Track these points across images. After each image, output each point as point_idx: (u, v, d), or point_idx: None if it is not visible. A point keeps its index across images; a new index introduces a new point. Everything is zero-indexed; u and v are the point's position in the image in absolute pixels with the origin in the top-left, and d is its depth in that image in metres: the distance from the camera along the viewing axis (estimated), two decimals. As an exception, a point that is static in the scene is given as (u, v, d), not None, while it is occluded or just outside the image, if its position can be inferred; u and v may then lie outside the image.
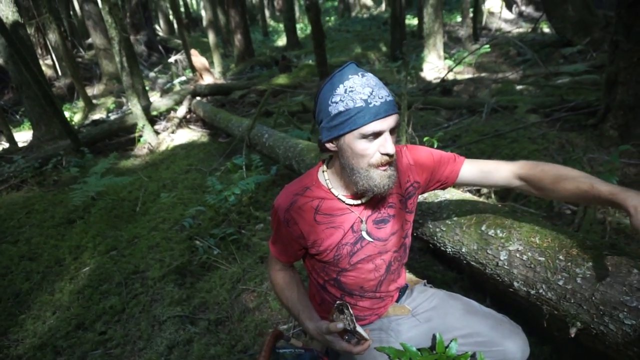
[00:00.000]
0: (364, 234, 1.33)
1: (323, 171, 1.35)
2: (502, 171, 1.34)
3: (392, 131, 1.16)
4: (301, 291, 1.46)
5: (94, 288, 2.98)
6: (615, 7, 3.24)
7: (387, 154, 1.15)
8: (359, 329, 1.16)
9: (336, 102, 1.13)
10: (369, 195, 1.26)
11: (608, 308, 1.21)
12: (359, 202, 1.31)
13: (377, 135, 1.14)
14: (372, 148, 1.15)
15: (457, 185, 1.44)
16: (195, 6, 30.25)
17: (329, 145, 1.23)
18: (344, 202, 1.31)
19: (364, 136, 1.13)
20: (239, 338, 2.31)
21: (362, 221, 1.33)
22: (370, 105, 1.10)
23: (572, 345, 1.79)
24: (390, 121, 1.14)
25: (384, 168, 1.18)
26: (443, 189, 1.48)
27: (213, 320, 2.47)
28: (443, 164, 1.39)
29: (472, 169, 1.38)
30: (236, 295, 2.65)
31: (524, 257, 1.48)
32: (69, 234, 3.88)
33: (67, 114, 7.22)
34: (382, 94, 1.12)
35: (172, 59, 13.30)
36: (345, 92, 1.12)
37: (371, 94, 1.11)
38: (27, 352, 2.49)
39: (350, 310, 1.17)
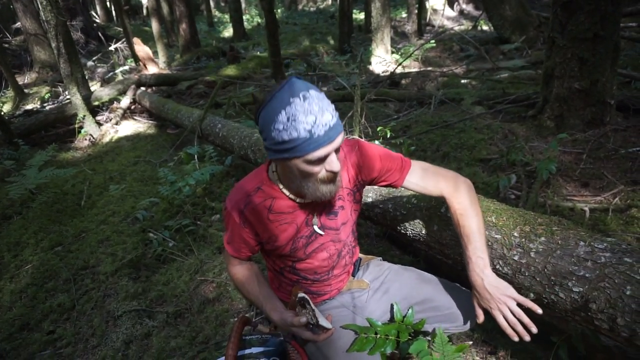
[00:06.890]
0: (315, 227, 1.40)
1: (273, 171, 1.35)
2: (436, 189, 1.45)
3: (337, 150, 1.17)
4: (262, 282, 1.49)
5: (39, 286, 2.80)
6: (551, 5, 3.47)
7: (332, 171, 1.18)
8: (321, 322, 1.23)
9: (279, 130, 1.09)
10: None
11: (559, 278, 1.31)
12: (309, 200, 1.33)
13: (323, 159, 1.15)
14: (318, 168, 1.17)
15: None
16: (134, -7, 28.71)
17: (276, 162, 1.28)
18: (294, 200, 1.35)
19: (310, 162, 1.13)
20: (199, 329, 2.27)
21: (314, 216, 1.39)
22: (315, 136, 1.08)
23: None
24: (335, 144, 1.13)
25: (330, 182, 1.22)
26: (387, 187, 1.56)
27: (172, 312, 2.41)
28: (389, 171, 1.44)
29: (413, 181, 1.46)
30: (195, 287, 2.60)
31: (482, 236, 1.56)
32: (6, 230, 3.61)
33: (-5, 103, 6.70)
34: (326, 120, 1.09)
35: (112, 47, 12.61)
36: (288, 120, 1.07)
37: (315, 122, 1.07)
38: (-35, 357, 2.31)
39: (312, 305, 1.23)
